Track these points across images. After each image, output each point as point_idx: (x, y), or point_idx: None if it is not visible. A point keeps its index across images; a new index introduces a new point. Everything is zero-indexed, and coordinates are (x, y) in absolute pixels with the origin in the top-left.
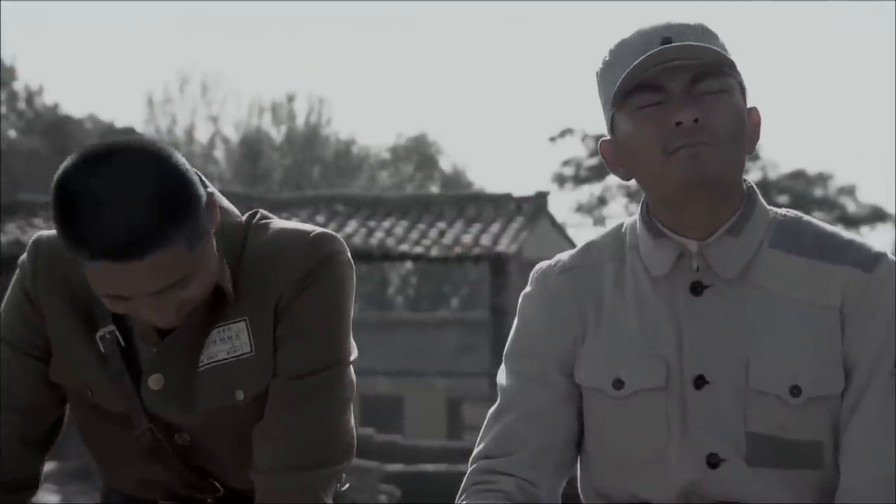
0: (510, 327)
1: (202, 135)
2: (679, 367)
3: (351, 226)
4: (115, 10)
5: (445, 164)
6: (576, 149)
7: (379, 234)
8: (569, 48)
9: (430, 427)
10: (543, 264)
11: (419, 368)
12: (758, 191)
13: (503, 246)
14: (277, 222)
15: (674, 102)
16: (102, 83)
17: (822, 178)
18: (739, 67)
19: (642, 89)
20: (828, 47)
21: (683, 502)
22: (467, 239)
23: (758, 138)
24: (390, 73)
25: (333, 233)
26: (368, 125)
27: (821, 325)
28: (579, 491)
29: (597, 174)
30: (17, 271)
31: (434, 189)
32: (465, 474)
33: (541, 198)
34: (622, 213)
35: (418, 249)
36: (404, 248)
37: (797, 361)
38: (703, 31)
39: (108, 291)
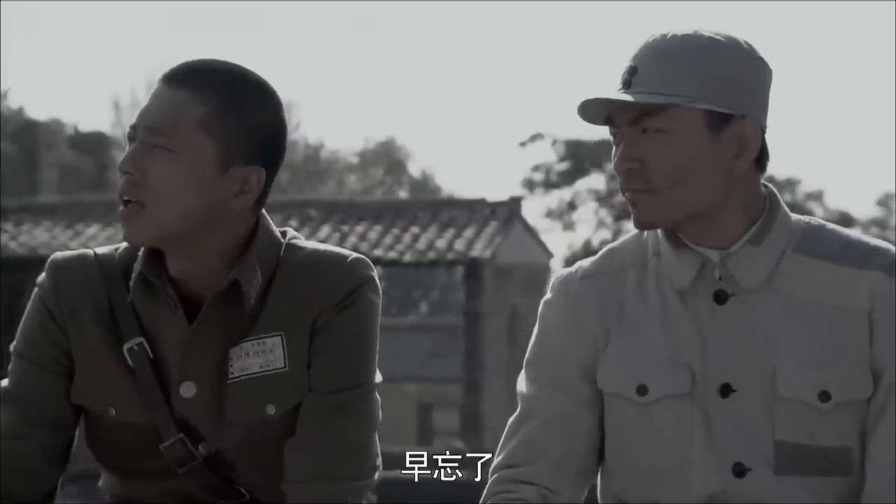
0: (484, 332)
1: None
2: (703, 375)
3: (324, 230)
4: (81, 13)
5: (414, 169)
6: (546, 154)
7: (352, 239)
8: (539, 52)
9: (399, 432)
10: (564, 271)
11: (389, 374)
12: (780, 197)
13: (477, 251)
14: (310, 242)
15: (621, 143)
16: (68, 86)
17: (790, 184)
18: (709, 94)
19: (608, 123)
20: (794, 55)
21: None
22: (441, 244)
23: (749, 153)
24: (359, 77)
25: (366, 257)
26: (337, 129)
27: (848, 329)
28: (598, 498)
29: (567, 179)
30: (36, 290)
31: (403, 193)
32: (440, 481)
33: (514, 203)
34: (592, 218)
35: (392, 254)
36: (378, 252)
37: (825, 366)
38: (668, 60)
39: (135, 121)
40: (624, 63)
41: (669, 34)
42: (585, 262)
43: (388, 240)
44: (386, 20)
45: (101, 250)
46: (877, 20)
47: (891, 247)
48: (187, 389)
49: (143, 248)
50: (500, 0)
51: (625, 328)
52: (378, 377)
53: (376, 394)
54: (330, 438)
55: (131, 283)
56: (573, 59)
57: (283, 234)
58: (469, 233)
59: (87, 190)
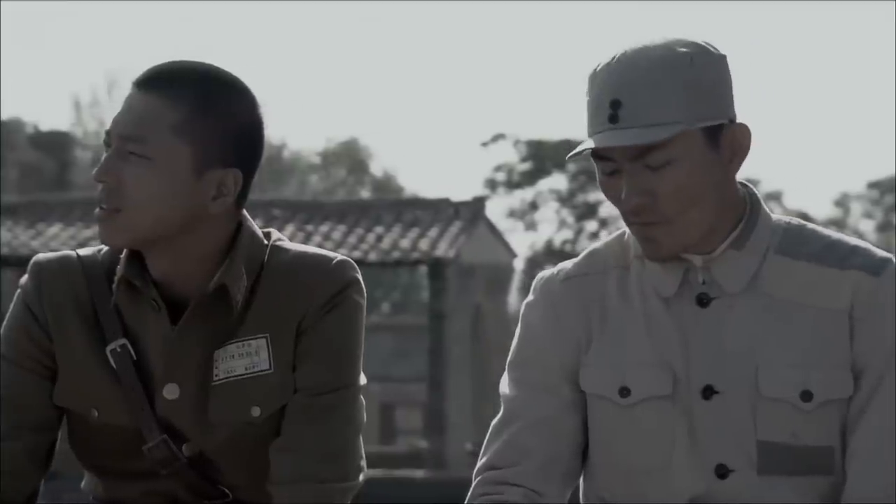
0: (448, 331)
1: None
2: (686, 377)
3: (288, 230)
4: (40, 12)
5: (376, 169)
6: (508, 154)
7: (317, 239)
8: (500, 53)
9: (362, 431)
10: (546, 272)
11: None
12: (760, 197)
13: (441, 250)
14: (295, 245)
15: (623, 178)
16: (28, 86)
17: (750, 184)
18: (701, 105)
19: (598, 157)
20: (753, 56)
21: None
22: (405, 243)
23: (741, 156)
24: (321, 77)
25: (351, 259)
26: (299, 129)
27: (830, 329)
28: (581, 499)
29: (529, 179)
30: (18, 292)
31: (365, 193)
32: (401, 480)
33: (478, 202)
34: (554, 217)
35: (356, 254)
36: (342, 252)
37: (807, 366)
38: (654, 86)
39: (109, 127)
40: (591, 86)
41: (639, 57)
42: (567, 264)
43: (352, 239)
44: (348, 20)
45: (83, 252)
46: (835, 22)
47: (871, 247)
48: (171, 391)
49: (125, 250)
50: (463, 0)
51: (607, 330)
52: (363, 379)
53: (361, 396)
54: (315, 440)
55: (114, 284)
56: (535, 59)
57: (268, 235)
58: (433, 232)
59: (48, 189)
